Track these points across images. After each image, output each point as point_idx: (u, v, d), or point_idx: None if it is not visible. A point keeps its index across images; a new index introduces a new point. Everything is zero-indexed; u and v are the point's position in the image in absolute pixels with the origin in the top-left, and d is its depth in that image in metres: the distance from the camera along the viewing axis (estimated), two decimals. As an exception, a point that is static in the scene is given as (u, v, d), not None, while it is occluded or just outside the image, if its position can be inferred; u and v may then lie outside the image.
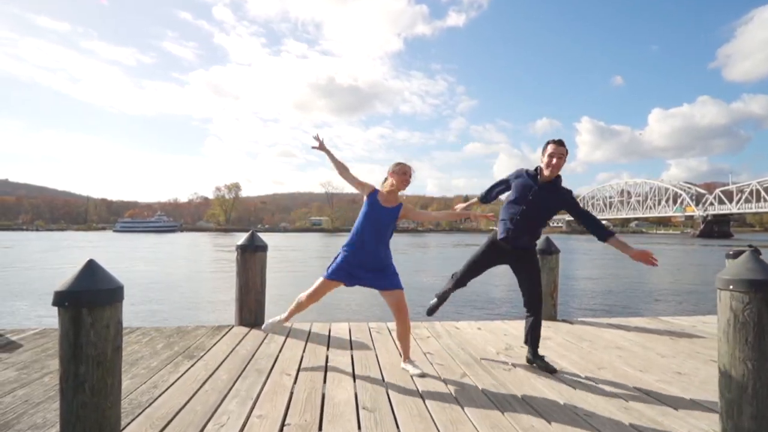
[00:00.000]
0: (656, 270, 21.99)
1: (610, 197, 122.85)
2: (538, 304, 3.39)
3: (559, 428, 2.33)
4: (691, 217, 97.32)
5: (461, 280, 3.60)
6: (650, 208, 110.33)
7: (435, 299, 3.79)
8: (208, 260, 26.42)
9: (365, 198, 3.25)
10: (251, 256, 4.54)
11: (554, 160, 3.23)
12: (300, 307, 3.41)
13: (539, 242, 5.04)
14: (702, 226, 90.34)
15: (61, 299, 1.70)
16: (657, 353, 3.77)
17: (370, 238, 3.19)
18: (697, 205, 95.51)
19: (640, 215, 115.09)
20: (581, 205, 3.37)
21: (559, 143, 3.28)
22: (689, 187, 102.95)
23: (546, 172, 3.27)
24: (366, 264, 3.20)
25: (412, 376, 3.10)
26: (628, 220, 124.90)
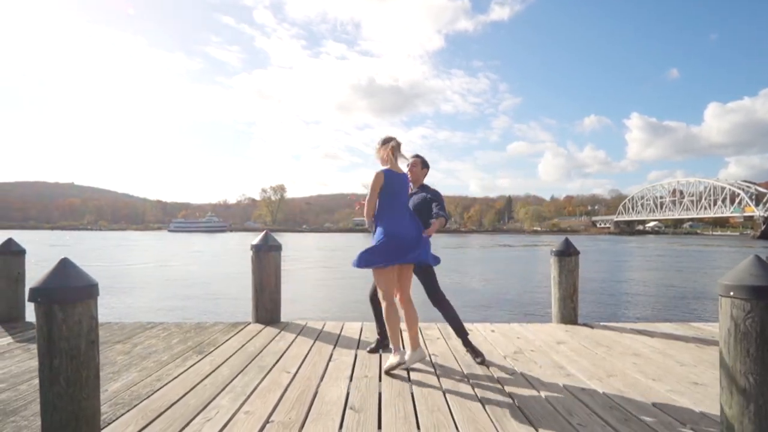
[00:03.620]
0: (697, 273, 20.82)
1: (661, 197, 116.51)
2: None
3: (547, 437, 2.26)
4: (751, 217, 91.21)
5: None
6: (705, 208, 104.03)
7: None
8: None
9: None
10: (265, 256, 4.64)
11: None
12: (387, 318, 3.21)
13: (558, 244, 4.90)
14: (763, 227, 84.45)
15: (34, 295, 1.80)
16: (676, 361, 3.56)
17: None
18: (757, 205, 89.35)
19: (694, 215, 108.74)
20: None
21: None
22: (748, 186, 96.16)
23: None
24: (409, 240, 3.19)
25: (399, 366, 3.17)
26: (681, 221, 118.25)
